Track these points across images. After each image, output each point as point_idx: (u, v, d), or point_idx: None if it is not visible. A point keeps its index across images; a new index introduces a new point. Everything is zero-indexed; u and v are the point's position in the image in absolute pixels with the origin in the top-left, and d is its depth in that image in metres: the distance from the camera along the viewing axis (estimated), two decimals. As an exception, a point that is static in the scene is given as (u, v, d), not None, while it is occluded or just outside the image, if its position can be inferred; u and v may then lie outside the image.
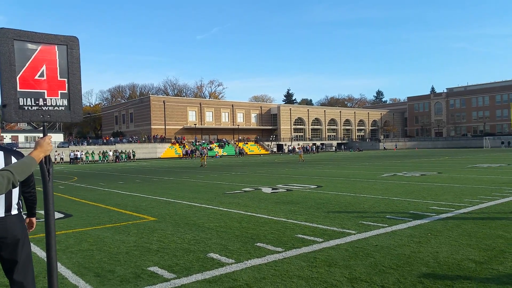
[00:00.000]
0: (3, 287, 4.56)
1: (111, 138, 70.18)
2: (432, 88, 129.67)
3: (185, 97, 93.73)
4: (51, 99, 2.83)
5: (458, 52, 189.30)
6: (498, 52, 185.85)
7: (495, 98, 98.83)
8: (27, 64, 2.72)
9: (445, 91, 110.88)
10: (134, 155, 57.35)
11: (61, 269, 5.10)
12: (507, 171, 19.51)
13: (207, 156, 29.78)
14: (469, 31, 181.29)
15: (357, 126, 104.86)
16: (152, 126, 75.21)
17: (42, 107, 2.81)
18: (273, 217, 8.38)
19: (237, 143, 77.66)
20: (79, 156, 52.09)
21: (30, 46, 2.72)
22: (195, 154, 63.12)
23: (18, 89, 2.74)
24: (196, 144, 70.29)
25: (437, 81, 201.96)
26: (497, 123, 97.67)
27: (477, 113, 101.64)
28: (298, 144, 78.83)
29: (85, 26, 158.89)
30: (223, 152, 70.25)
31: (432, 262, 5.04)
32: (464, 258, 5.15)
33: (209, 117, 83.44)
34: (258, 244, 6.13)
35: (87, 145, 61.25)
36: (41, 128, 2.93)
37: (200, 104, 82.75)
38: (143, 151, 63.39)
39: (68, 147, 58.02)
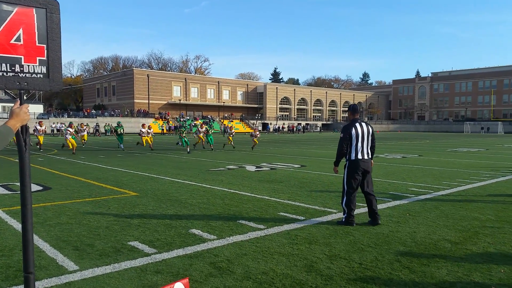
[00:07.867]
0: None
1: (92, 111, 68.95)
2: (417, 72, 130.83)
3: (170, 72, 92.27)
4: (28, 65, 2.66)
5: (445, 37, 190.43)
6: (484, 39, 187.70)
7: (478, 84, 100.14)
8: (1, 27, 2.53)
9: (430, 75, 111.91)
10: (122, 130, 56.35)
11: (39, 242, 5.03)
12: (485, 155, 19.94)
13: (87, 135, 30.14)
14: (456, 16, 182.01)
15: (343, 107, 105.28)
16: (135, 100, 74.06)
17: (19, 74, 2.63)
18: (256, 195, 8.41)
19: (222, 120, 77.26)
20: (58, 128, 51.21)
21: (5, 7, 2.53)
22: (179, 131, 62.57)
23: (-8, 53, 2.58)
24: (180, 120, 69.64)
25: (423, 65, 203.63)
26: (478, 109, 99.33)
27: (460, 98, 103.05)
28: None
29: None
30: (213, 128, 69.40)
31: (409, 241, 5.14)
32: (441, 239, 5.26)
33: (194, 93, 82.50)
34: (240, 221, 6.15)
35: (67, 117, 60.14)
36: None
37: (186, 80, 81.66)
38: (125, 125, 62.53)
39: (48, 118, 56.88)
